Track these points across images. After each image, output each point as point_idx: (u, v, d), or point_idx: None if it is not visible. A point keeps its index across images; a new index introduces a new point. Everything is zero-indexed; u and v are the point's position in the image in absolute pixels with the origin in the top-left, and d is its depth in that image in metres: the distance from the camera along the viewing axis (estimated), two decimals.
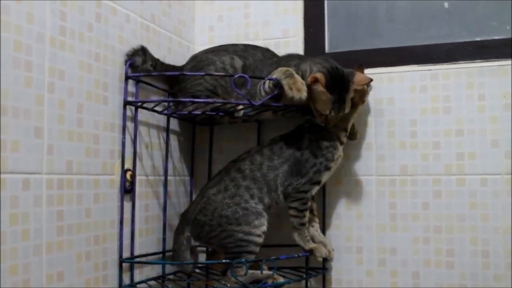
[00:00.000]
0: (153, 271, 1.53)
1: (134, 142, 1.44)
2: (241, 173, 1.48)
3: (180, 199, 1.69)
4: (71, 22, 1.25)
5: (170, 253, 1.54)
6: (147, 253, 1.50)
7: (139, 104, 1.44)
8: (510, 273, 1.50)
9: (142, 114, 1.49)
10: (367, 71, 1.59)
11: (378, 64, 1.63)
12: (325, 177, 1.50)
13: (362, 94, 1.51)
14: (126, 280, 1.41)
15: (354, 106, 1.50)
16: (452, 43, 1.59)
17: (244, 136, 1.74)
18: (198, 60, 1.59)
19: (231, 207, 1.45)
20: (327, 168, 1.49)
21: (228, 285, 1.41)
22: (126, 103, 1.42)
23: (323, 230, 1.62)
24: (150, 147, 1.54)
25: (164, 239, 1.57)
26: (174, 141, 1.66)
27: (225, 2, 1.78)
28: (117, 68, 1.40)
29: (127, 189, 1.42)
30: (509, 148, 1.51)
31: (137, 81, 1.45)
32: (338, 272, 1.64)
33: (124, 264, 1.40)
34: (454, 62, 1.57)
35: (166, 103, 1.54)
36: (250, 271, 1.41)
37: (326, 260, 1.59)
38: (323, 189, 1.63)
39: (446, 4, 1.63)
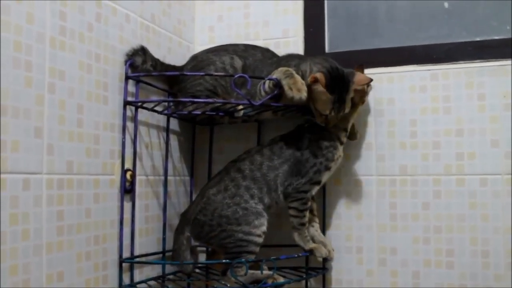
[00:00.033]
0: (153, 271, 1.53)
1: (134, 142, 1.44)
2: (241, 173, 1.48)
3: (180, 199, 1.69)
4: (71, 22, 1.25)
5: (170, 253, 1.54)
6: (147, 253, 1.50)
7: (139, 104, 1.44)
8: (510, 273, 1.50)
9: (142, 114, 1.49)
10: (367, 71, 1.59)
11: (378, 64, 1.63)
12: (325, 177, 1.50)
13: (362, 94, 1.51)
14: (126, 280, 1.41)
15: (354, 106, 1.50)
16: (452, 43, 1.59)
17: (244, 136, 1.74)
18: (198, 60, 1.59)
19: (231, 207, 1.45)
20: (327, 168, 1.49)
21: (228, 285, 1.41)
22: (126, 103, 1.42)
23: (323, 230, 1.62)
24: (150, 147, 1.54)
25: (164, 239, 1.57)
26: (174, 141, 1.66)
27: (225, 2, 1.78)
28: (117, 68, 1.40)
29: (127, 189, 1.42)
30: (509, 148, 1.51)
31: (137, 81, 1.45)
32: (338, 272, 1.64)
33: (124, 264, 1.40)
34: (454, 62, 1.57)
35: (166, 103, 1.54)
36: (250, 271, 1.41)
37: (326, 260, 1.59)
38: (323, 189, 1.63)
39: (446, 4, 1.63)
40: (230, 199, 1.46)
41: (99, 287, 1.32)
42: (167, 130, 1.60)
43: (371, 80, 1.46)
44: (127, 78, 1.42)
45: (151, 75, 1.49)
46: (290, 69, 1.40)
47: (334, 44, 1.71)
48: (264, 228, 1.45)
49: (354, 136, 1.59)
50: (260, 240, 1.44)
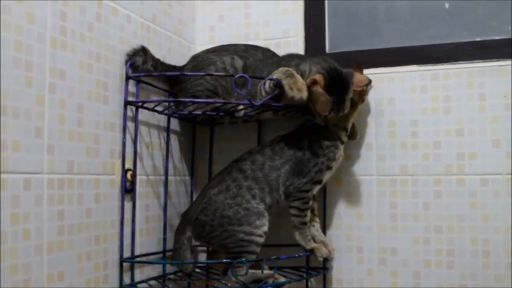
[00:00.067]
0: (154, 270, 1.53)
1: (134, 142, 1.45)
2: (242, 173, 1.48)
3: (180, 199, 1.69)
4: (72, 22, 1.25)
5: (171, 253, 1.54)
6: (147, 253, 1.50)
7: (140, 104, 1.44)
8: (510, 273, 1.50)
9: (143, 114, 1.49)
10: (368, 71, 1.59)
11: (378, 64, 1.63)
12: (326, 177, 1.50)
13: (362, 94, 1.51)
14: (127, 280, 1.42)
15: (354, 105, 1.50)
16: (452, 43, 1.59)
17: (244, 136, 1.74)
18: (199, 60, 1.59)
19: (232, 207, 1.45)
20: (329, 168, 1.49)
21: (229, 284, 1.41)
22: (127, 103, 1.42)
23: (324, 230, 1.62)
24: (151, 147, 1.54)
25: (164, 239, 1.58)
26: (174, 141, 1.66)
27: (225, 2, 1.79)
28: (118, 68, 1.41)
29: (128, 189, 1.42)
30: (509, 148, 1.51)
31: (138, 81, 1.45)
32: (338, 272, 1.64)
33: (124, 264, 1.40)
34: (455, 62, 1.57)
35: (166, 103, 1.54)
36: (251, 271, 1.41)
37: (326, 259, 1.59)
38: (324, 189, 1.63)
39: (446, 4, 1.63)
40: (231, 199, 1.46)
41: (100, 287, 1.32)
42: (167, 130, 1.60)
43: (370, 81, 1.46)
44: (127, 78, 1.42)
45: (151, 75, 1.50)
46: (290, 69, 1.40)
47: (334, 44, 1.71)
48: (265, 228, 1.45)
49: (354, 135, 1.59)
50: (261, 240, 1.44)
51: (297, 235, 1.51)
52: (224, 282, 1.43)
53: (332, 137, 1.51)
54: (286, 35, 1.73)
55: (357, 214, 1.64)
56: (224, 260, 1.43)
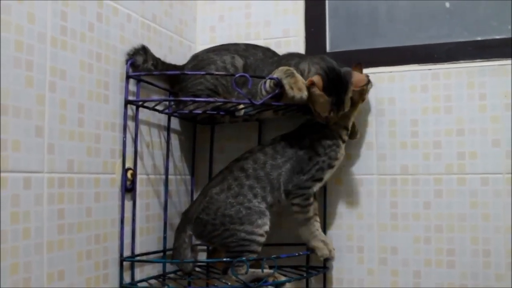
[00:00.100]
0: (154, 269, 1.53)
1: (135, 141, 1.45)
2: (244, 172, 1.48)
3: (181, 198, 1.69)
4: (72, 22, 1.25)
5: (171, 252, 1.54)
6: (147, 252, 1.50)
7: (140, 103, 1.45)
8: (511, 272, 1.50)
9: (143, 113, 1.49)
10: (368, 70, 1.59)
11: (379, 63, 1.63)
12: (327, 175, 1.50)
13: (362, 93, 1.51)
14: (127, 278, 1.42)
15: (354, 104, 1.50)
16: (453, 42, 1.59)
17: (245, 135, 1.75)
18: (199, 60, 1.60)
19: (234, 206, 1.45)
20: (331, 166, 1.49)
21: (229, 283, 1.42)
22: (127, 102, 1.42)
23: (324, 229, 1.62)
24: (151, 146, 1.54)
25: (164, 238, 1.58)
26: (175, 140, 1.67)
27: (226, 2, 1.79)
28: (118, 68, 1.41)
29: (128, 188, 1.42)
30: (510, 147, 1.51)
31: (138, 81, 1.46)
32: (339, 271, 1.64)
33: (125, 263, 1.40)
34: (455, 62, 1.57)
35: (167, 102, 1.54)
36: (251, 270, 1.41)
37: (327, 259, 1.59)
38: (324, 188, 1.63)
39: (447, 4, 1.63)
40: (233, 198, 1.46)
41: (100, 286, 1.33)
42: (168, 129, 1.60)
43: (369, 80, 1.45)
44: (128, 77, 1.42)
45: (152, 75, 1.50)
46: (291, 68, 1.40)
47: (335, 44, 1.71)
48: (266, 227, 1.45)
49: (355, 134, 1.59)
50: (262, 239, 1.44)
51: (302, 231, 1.52)
52: (224, 281, 1.43)
53: (334, 136, 1.51)
54: (286, 34, 1.73)
55: (357, 213, 1.64)
56: (224, 259, 1.43)
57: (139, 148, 1.47)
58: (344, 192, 1.65)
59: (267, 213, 1.46)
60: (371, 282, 1.61)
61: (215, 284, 1.48)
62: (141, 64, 1.45)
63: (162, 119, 1.59)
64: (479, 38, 1.57)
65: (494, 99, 1.54)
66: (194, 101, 1.45)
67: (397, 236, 1.60)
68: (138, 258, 1.45)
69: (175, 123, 1.66)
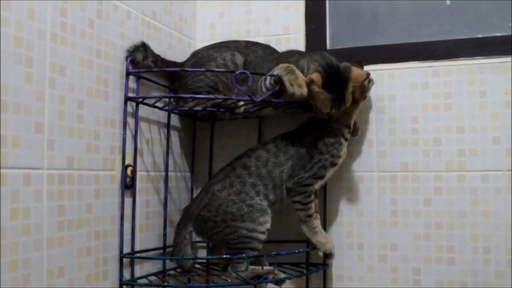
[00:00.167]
0: (154, 266, 1.53)
1: (135, 138, 1.45)
2: (246, 170, 1.48)
3: (181, 195, 1.69)
4: (72, 18, 1.25)
5: (171, 249, 1.54)
6: (147, 249, 1.50)
7: (140, 100, 1.44)
8: (511, 269, 1.50)
9: (143, 110, 1.49)
10: (369, 67, 1.58)
11: (379, 60, 1.63)
12: (329, 173, 1.50)
13: (363, 90, 1.51)
14: (127, 275, 1.42)
15: (355, 102, 1.49)
16: (453, 40, 1.58)
17: (245, 133, 1.75)
18: (199, 57, 1.59)
19: (236, 203, 1.45)
20: (333, 164, 1.49)
21: (229, 280, 1.42)
22: (127, 99, 1.42)
23: (324, 226, 1.62)
24: (151, 143, 1.54)
25: (164, 235, 1.58)
26: (175, 137, 1.67)
27: None
28: (118, 64, 1.41)
29: (128, 184, 1.42)
30: (510, 144, 1.51)
31: (138, 77, 1.46)
32: (339, 268, 1.64)
33: (124, 260, 1.40)
34: (456, 59, 1.57)
35: (167, 99, 1.54)
36: (251, 267, 1.41)
37: (327, 256, 1.59)
38: (325, 185, 1.63)
39: (447, 1, 1.63)
40: (235, 195, 1.46)
41: (100, 283, 1.33)
42: (168, 126, 1.60)
43: (369, 75, 1.45)
44: (128, 74, 1.42)
45: (152, 71, 1.50)
46: (291, 65, 1.40)
47: (335, 41, 1.71)
48: (268, 225, 1.45)
49: (356, 132, 1.59)
50: (263, 237, 1.44)
51: (304, 228, 1.52)
52: (224, 278, 1.43)
53: (336, 134, 1.51)
54: (287, 31, 1.73)
55: (357, 210, 1.64)
56: (224, 256, 1.43)
57: (139, 145, 1.47)
58: (345, 189, 1.65)
59: (269, 211, 1.46)
60: (371, 279, 1.61)
61: (215, 281, 1.48)
62: (141, 61, 1.45)
63: (162, 116, 1.59)
64: (479, 36, 1.57)
65: (494, 96, 1.53)
66: (194, 98, 1.45)
67: (397, 233, 1.60)
68: (138, 254, 1.45)
69: (175, 120, 1.66)
